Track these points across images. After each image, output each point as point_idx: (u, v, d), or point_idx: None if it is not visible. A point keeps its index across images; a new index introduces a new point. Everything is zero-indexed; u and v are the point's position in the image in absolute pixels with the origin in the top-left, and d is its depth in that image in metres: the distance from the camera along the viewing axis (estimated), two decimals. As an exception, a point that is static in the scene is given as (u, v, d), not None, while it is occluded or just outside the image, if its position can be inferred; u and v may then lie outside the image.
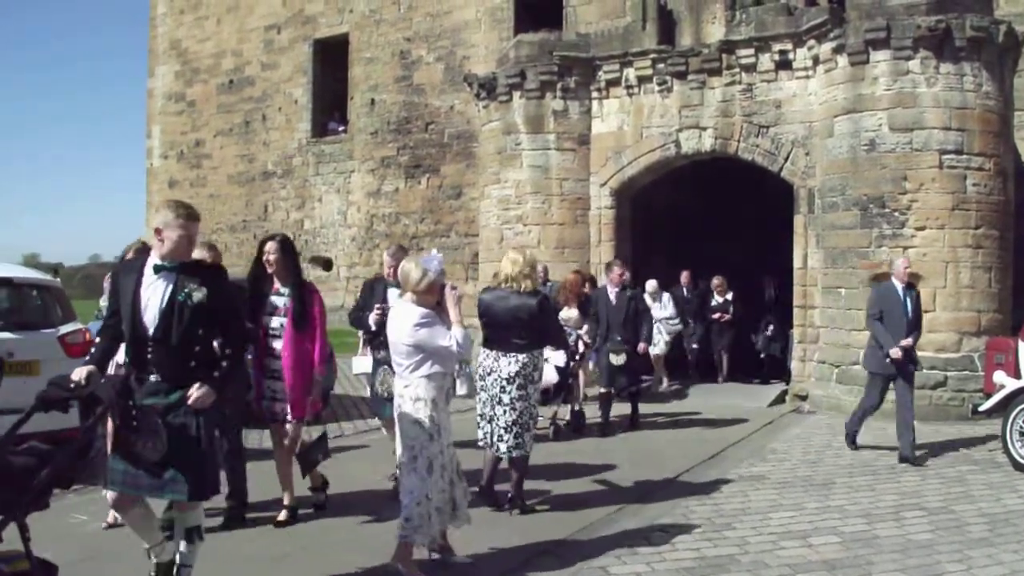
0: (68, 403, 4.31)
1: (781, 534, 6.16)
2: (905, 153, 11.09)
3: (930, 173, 11.01)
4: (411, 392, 5.21)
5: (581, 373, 10.59)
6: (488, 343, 6.70)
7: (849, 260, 11.46)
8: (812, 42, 11.95)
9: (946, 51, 11.00)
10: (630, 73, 13.54)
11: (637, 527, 6.29)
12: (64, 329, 7.95)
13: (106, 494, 4.77)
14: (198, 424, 4.42)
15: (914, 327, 8.77)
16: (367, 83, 21.47)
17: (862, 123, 11.34)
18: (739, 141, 12.80)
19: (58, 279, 9.59)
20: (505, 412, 6.52)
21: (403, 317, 5.22)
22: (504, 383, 6.53)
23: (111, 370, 5.06)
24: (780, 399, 12.42)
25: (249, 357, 6.22)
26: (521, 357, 6.52)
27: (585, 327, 10.20)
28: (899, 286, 8.85)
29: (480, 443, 6.80)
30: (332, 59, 22.37)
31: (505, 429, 6.53)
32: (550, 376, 8.25)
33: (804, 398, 12.08)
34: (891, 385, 8.85)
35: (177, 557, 4.63)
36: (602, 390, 10.38)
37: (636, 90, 13.57)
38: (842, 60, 11.54)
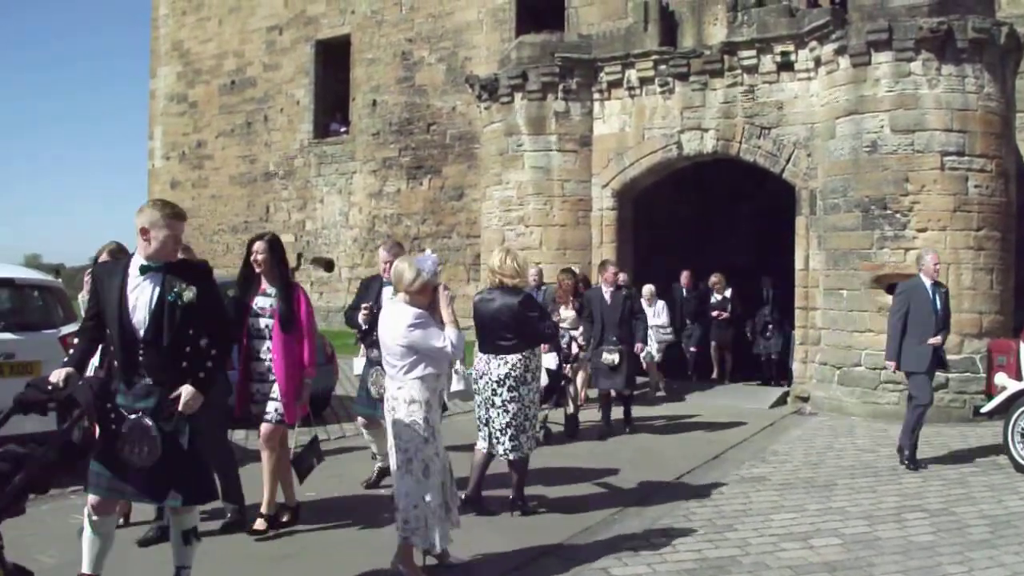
0: (47, 406, 4.22)
1: (782, 535, 6.15)
2: (907, 154, 11.08)
3: (932, 175, 11.01)
4: (405, 394, 5.14)
5: (580, 375, 10.54)
6: (479, 346, 6.70)
7: (851, 262, 11.46)
8: (814, 43, 11.96)
9: (948, 53, 10.99)
10: (632, 74, 13.54)
11: (638, 529, 6.28)
12: (65, 330, 7.94)
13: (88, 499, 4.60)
14: (189, 427, 4.37)
15: (943, 325, 8.47)
16: (369, 84, 21.49)
17: (864, 124, 11.33)
18: (741, 142, 12.80)
19: (59, 280, 9.60)
20: (499, 415, 6.48)
21: (396, 318, 5.15)
22: (495, 386, 6.49)
23: (90, 371, 4.95)
24: (781, 400, 12.40)
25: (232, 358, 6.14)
26: (510, 358, 6.46)
27: (580, 328, 10.15)
28: (927, 283, 8.47)
29: (478, 447, 6.77)
30: (334, 60, 22.40)
31: (500, 431, 6.50)
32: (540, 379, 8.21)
33: (806, 400, 12.07)
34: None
35: (174, 559, 4.61)
36: (600, 391, 10.31)
37: (638, 91, 13.57)
38: (844, 61, 11.53)
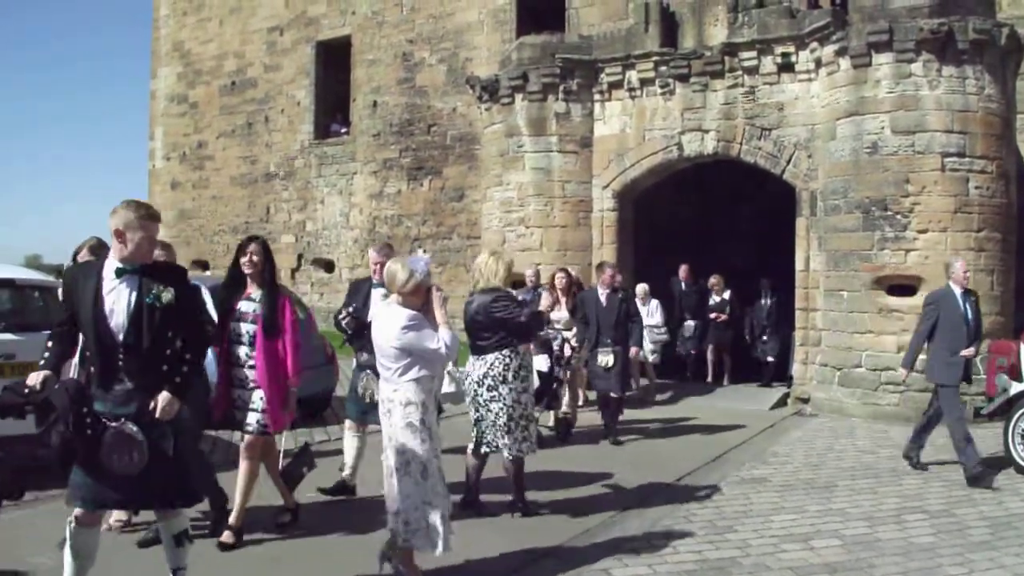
0: (24, 409, 4.20)
1: (783, 537, 6.15)
2: (907, 156, 11.08)
3: (932, 176, 11.01)
4: (400, 396, 5.10)
5: (575, 377, 10.43)
6: (470, 349, 6.69)
7: (851, 263, 11.46)
8: (814, 44, 11.96)
9: (948, 54, 11.00)
10: (632, 75, 13.54)
11: (638, 530, 6.29)
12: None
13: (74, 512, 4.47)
14: (172, 431, 4.33)
15: (975, 336, 8.10)
16: (369, 85, 21.49)
17: (864, 126, 11.33)
18: (741, 144, 12.80)
19: (60, 280, 9.60)
20: (484, 414, 6.49)
21: (389, 320, 5.11)
22: (475, 386, 6.48)
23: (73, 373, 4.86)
24: (782, 402, 12.40)
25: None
26: (488, 358, 6.43)
27: (574, 330, 10.04)
28: (957, 291, 8.13)
29: (470, 448, 6.76)
30: (334, 61, 22.39)
31: (486, 431, 6.50)
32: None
33: (806, 401, 12.07)
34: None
35: (169, 561, 4.59)
36: (598, 395, 10.19)
37: (638, 92, 13.57)
38: (844, 63, 11.54)
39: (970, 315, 8.10)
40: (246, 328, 5.99)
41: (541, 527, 6.41)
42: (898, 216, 11.12)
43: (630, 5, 14.84)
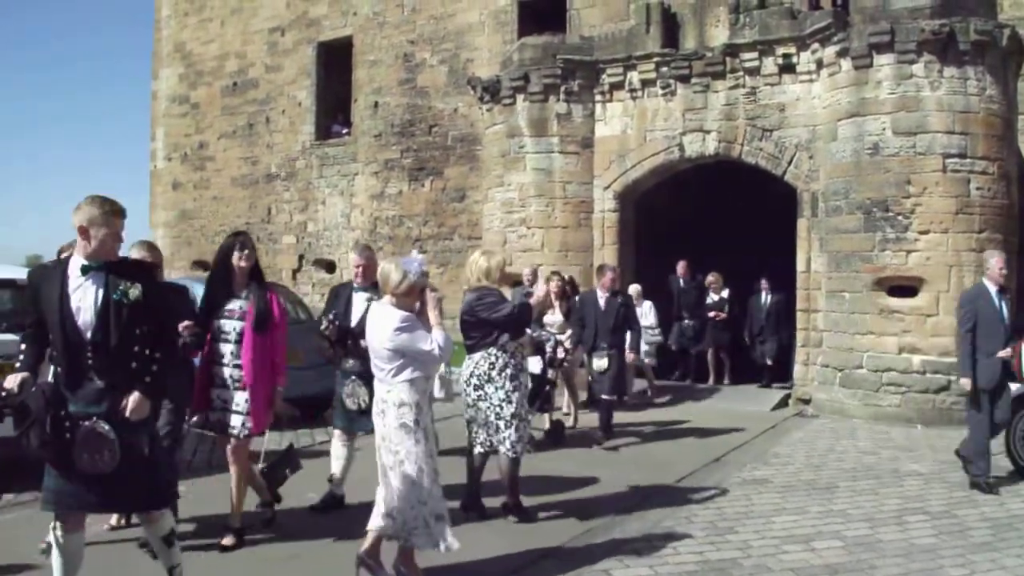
0: (1, 412, 4.16)
1: (784, 538, 6.15)
2: (909, 157, 11.08)
3: (933, 177, 11.00)
4: (394, 397, 5.08)
5: (572, 380, 10.33)
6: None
7: (852, 264, 11.45)
8: (816, 46, 11.96)
9: (950, 55, 11.00)
10: (634, 76, 13.54)
11: (639, 531, 6.28)
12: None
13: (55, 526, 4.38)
14: (145, 431, 4.28)
15: (1013, 335, 7.64)
16: (371, 86, 21.49)
17: (866, 127, 11.33)
18: (743, 144, 12.80)
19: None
20: (474, 414, 6.44)
21: (383, 321, 5.09)
22: (464, 385, 6.47)
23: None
24: (783, 403, 12.40)
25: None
26: (475, 356, 6.39)
27: (568, 332, 9.94)
28: (992, 289, 7.71)
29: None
30: (336, 62, 22.39)
31: (479, 431, 6.45)
32: None
33: (807, 402, 12.07)
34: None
35: (163, 562, 4.57)
36: (592, 398, 10.00)
37: (640, 93, 13.57)
38: (846, 64, 11.54)
39: (1006, 313, 7.68)
40: (232, 325, 5.86)
41: (541, 528, 6.40)
42: (899, 217, 11.11)
43: (631, 6, 14.83)
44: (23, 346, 4.40)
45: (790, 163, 12.46)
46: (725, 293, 14.05)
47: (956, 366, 10.71)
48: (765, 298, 13.76)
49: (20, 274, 8.73)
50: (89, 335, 4.16)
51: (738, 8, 12.73)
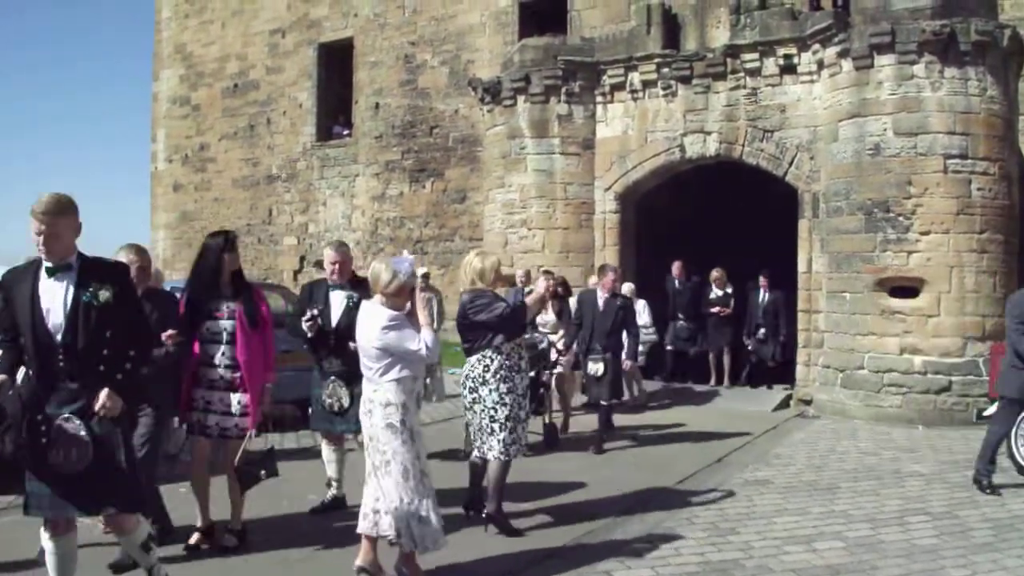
0: None
1: (785, 539, 6.15)
2: (910, 157, 11.08)
3: (935, 178, 11.00)
4: (380, 397, 5.07)
5: (566, 384, 10.21)
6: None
7: (853, 264, 11.45)
8: (817, 46, 11.96)
9: (951, 55, 11.00)
10: (635, 77, 13.55)
11: (641, 532, 6.28)
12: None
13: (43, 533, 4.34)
14: (120, 431, 4.22)
15: None
16: (372, 87, 21.51)
17: (867, 127, 11.33)
18: (744, 145, 12.80)
19: None
20: (472, 417, 6.36)
21: (371, 319, 5.09)
22: (461, 388, 6.42)
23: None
24: (784, 404, 12.39)
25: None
26: (471, 359, 6.30)
27: (560, 332, 9.83)
28: None
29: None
30: (337, 63, 22.42)
31: (476, 436, 6.36)
32: None
33: (808, 403, 12.07)
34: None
35: (142, 565, 4.54)
36: (590, 401, 9.82)
37: (641, 94, 13.58)
38: (847, 64, 11.54)
39: None
40: (223, 325, 5.75)
41: (542, 529, 6.39)
42: (900, 218, 11.11)
43: (632, 7, 14.83)
44: None
45: (791, 164, 12.47)
46: (729, 289, 13.79)
47: (958, 368, 10.84)
48: (763, 296, 13.58)
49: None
50: (59, 337, 4.11)
51: (739, 9, 12.73)
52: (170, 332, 5.44)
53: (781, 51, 12.37)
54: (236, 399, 5.72)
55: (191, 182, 25.45)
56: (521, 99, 14.03)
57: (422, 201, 20.56)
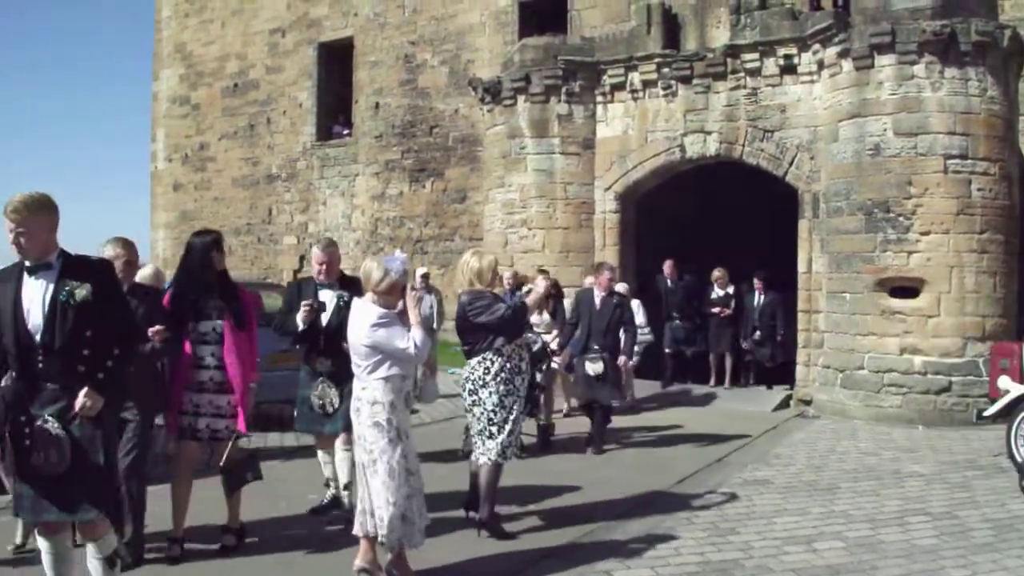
0: None
1: (785, 539, 6.14)
2: (910, 158, 11.08)
3: (935, 178, 11.00)
4: (368, 395, 5.07)
5: (555, 385, 10.08)
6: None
7: (854, 265, 11.45)
8: (817, 47, 11.96)
9: (951, 56, 10.99)
10: (635, 77, 13.54)
11: (641, 532, 6.28)
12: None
13: (35, 533, 4.32)
14: (101, 433, 4.12)
15: None
16: (372, 87, 21.51)
17: (867, 128, 11.33)
18: (744, 145, 12.80)
19: None
20: (471, 419, 6.29)
21: (361, 317, 5.11)
22: (461, 391, 6.33)
23: None
24: (784, 404, 12.38)
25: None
26: (471, 362, 6.21)
27: (554, 332, 9.76)
28: None
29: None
30: (337, 63, 22.42)
31: (473, 437, 6.30)
32: None
33: (808, 403, 12.06)
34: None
35: None
36: (579, 402, 9.65)
37: (641, 94, 13.57)
38: (847, 64, 11.53)
39: None
40: (211, 325, 5.68)
41: (542, 529, 6.39)
42: (900, 218, 11.11)
43: (632, 7, 14.83)
44: None
45: (791, 164, 12.46)
46: (731, 289, 13.63)
47: (958, 368, 10.84)
48: (759, 298, 13.43)
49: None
50: (38, 337, 4.04)
51: (739, 9, 12.72)
52: (157, 328, 5.32)
53: (781, 51, 12.37)
54: (226, 400, 5.65)
55: (191, 181, 25.45)
56: (521, 99, 14.03)
57: (422, 201, 20.55)
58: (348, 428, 6.22)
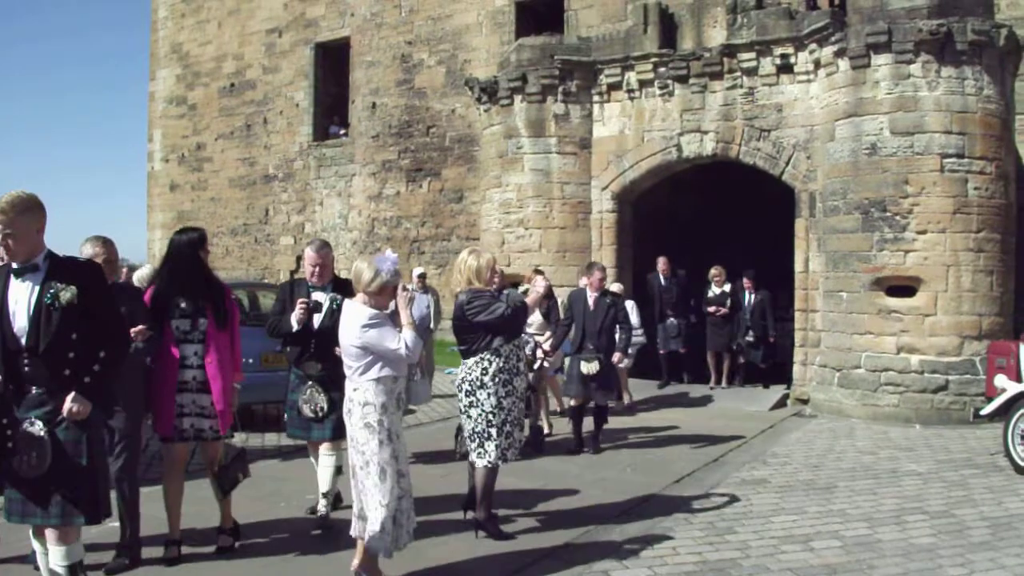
0: None
1: (783, 538, 6.14)
2: (906, 157, 11.08)
3: (931, 177, 11.01)
4: (359, 396, 5.04)
5: (549, 385, 10.01)
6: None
7: (850, 264, 11.46)
8: (813, 46, 11.96)
9: (947, 55, 11.00)
10: (631, 77, 13.54)
11: (638, 531, 6.27)
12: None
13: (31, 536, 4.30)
14: (86, 438, 4.04)
15: None
16: (368, 86, 21.50)
17: (863, 127, 11.33)
18: (740, 145, 12.80)
19: None
20: (465, 421, 6.17)
21: (352, 318, 5.07)
22: (457, 391, 6.23)
23: None
24: (781, 403, 12.38)
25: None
26: (467, 362, 6.12)
27: (547, 334, 9.68)
28: None
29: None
30: (333, 63, 22.41)
31: (468, 438, 6.18)
32: None
33: (805, 402, 12.07)
34: None
35: None
36: (572, 403, 9.53)
37: (637, 94, 13.57)
38: (843, 64, 11.54)
39: None
40: (195, 324, 5.61)
41: (539, 529, 6.38)
42: (897, 217, 11.12)
43: (629, 6, 14.85)
44: None
45: (788, 163, 12.47)
46: (728, 287, 13.48)
47: (955, 367, 10.85)
48: (748, 297, 13.34)
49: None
50: (23, 340, 3.98)
51: (736, 8, 12.73)
52: (139, 328, 5.27)
53: (778, 50, 12.37)
54: (210, 399, 5.58)
55: (187, 182, 25.43)
56: (518, 99, 14.02)
57: (419, 201, 20.55)
58: (336, 435, 6.24)
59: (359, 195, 21.59)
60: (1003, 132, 11.40)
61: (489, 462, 6.06)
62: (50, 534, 4.10)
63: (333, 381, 6.09)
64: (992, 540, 6.13)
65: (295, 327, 6.37)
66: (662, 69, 13.24)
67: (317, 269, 6.53)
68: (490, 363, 6.03)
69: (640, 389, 12.85)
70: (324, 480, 6.38)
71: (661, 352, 13.50)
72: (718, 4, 12.95)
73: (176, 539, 5.65)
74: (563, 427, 10.17)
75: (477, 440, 6.08)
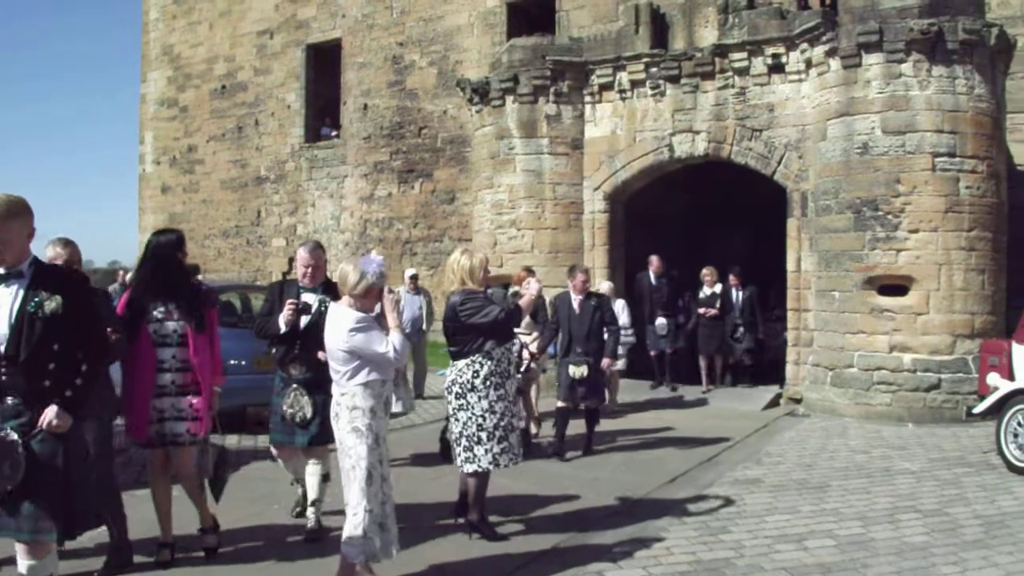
0: None
1: (776, 537, 6.14)
2: (898, 156, 11.10)
3: (923, 176, 11.03)
4: (347, 401, 4.98)
5: (533, 388, 9.94)
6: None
7: (843, 263, 11.47)
8: (805, 45, 11.97)
9: (938, 54, 11.02)
10: (623, 77, 13.54)
11: (632, 532, 6.26)
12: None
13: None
14: (64, 450, 3.91)
15: None
16: (360, 88, 21.48)
17: (855, 126, 11.35)
18: (732, 145, 12.80)
19: None
20: (454, 424, 6.10)
21: (338, 322, 5.01)
22: (447, 394, 6.14)
23: None
24: (774, 403, 12.39)
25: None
26: (458, 364, 6.05)
27: (534, 334, 9.59)
28: None
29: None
30: (325, 64, 22.39)
31: (455, 442, 6.12)
32: None
33: (798, 401, 12.08)
34: None
35: None
36: (559, 404, 9.32)
37: (629, 94, 13.57)
38: (835, 63, 11.55)
39: None
40: (172, 327, 5.50)
41: (534, 530, 6.37)
42: (889, 216, 11.13)
43: (620, 7, 14.86)
44: None
45: (780, 163, 12.47)
46: (718, 288, 13.46)
47: (947, 365, 10.87)
48: (736, 295, 13.33)
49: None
50: (2, 348, 3.85)
51: (727, 8, 12.73)
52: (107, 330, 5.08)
53: (769, 50, 12.38)
54: (188, 402, 5.50)
55: (179, 184, 25.38)
56: (509, 99, 14.01)
57: (411, 202, 20.53)
58: (321, 441, 6.15)
59: (351, 196, 21.56)
60: (994, 131, 11.42)
61: (480, 467, 5.99)
62: (20, 547, 3.99)
63: (318, 385, 6.03)
64: (985, 538, 6.13)
65: (283, 328, 6.27)
66: (654, 69, 13.24)
67: (309, 271, 6.45)
68: (481, 366, 5.97)
69: (632, 390, 12.86)
70: (312, 488, 6.28)
71: (652, 353, 13.42)
72: (709, 4, 12.95)
73: (168, 542, 5.61)
74: (549, 430, 10.06)
75: (466, 444, 6.00)
